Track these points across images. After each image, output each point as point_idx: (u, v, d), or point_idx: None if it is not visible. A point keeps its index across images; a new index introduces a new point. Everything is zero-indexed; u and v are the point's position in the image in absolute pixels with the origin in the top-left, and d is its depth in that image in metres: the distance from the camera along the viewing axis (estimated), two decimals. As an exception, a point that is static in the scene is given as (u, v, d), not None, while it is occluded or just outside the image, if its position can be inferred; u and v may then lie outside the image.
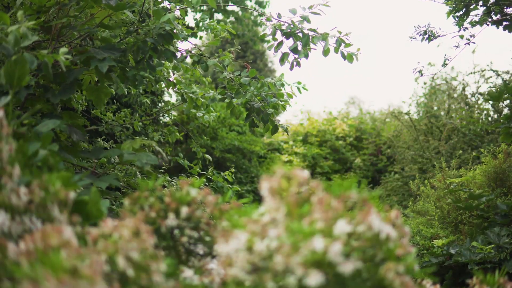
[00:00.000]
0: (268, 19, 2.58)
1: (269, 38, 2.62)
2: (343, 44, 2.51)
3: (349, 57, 2.52)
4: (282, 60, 2.60)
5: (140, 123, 3.40)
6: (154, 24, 2.13)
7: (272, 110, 2.67)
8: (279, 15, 2.58)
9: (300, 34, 2.50)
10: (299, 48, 2.51)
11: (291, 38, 2.53)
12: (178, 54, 2.48)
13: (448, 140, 5.81)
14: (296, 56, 2.56)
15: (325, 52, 2.50)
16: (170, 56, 2.22)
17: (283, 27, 2.52)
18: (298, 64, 2.61)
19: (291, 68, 2.62)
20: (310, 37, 2.50)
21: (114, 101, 3.88)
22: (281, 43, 2.58)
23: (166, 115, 4.10)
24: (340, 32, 2.50)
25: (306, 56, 2.53)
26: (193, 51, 2.62)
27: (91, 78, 2.30)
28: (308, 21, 2.51)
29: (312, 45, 2.51)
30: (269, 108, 2.67)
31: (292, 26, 2.50)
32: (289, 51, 2.56)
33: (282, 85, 2.72)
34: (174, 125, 3.69)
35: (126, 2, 2.10)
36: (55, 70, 1.95)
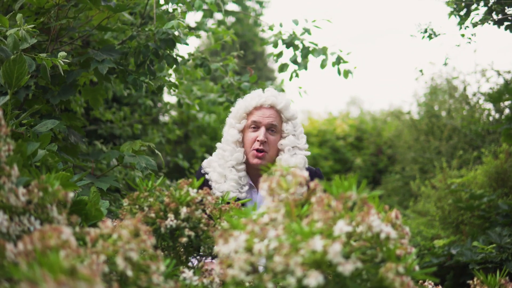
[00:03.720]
0: (270, 28, 2.65)
1: (271, 45, 2.68)
2: (341, 60, 2.58)
3: (345, 73, 2.60)
4: (281, 69, 2.70)
5: (140, 126, 3.40)
6: (157, 28, 2.10)
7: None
8: (280, 25, 2.65)
9: (300, 46, 2.57)
10: (299, 59, 2.59)
11: (291, 48, 2.60)
12: (179, 59, 2.48)
13: (449, 140, 5.80)
14: (296, 68, 2.64)
15: (322, 66, 2.58)
16: (172, 61, 2.21)
17: (284, 37, 2.60)
18: (297, 76, 2.70)
19: (290, 79, 2.71)
20: (311, 49, 2.57)
21: (115, 101, 3.86)
22: (281, 53, 2.66)
23: (166, 114, 4.10)
24: (341, 51, 2.58)
25: (306, 68, 2.61)
26: (195, 54, 2.63)
27: (86, 78, 2.30)
28: (310, 33, 2.58)
29: (311, 57, 2.59)
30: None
31: (293, 36, 2.57)
32: (289, 62, 2.64)
33: (282, 90, 2.80)
34: (174, 124, 3.69)
35: (126, 4, 2.08)
36: (53, 71, 1.94)
